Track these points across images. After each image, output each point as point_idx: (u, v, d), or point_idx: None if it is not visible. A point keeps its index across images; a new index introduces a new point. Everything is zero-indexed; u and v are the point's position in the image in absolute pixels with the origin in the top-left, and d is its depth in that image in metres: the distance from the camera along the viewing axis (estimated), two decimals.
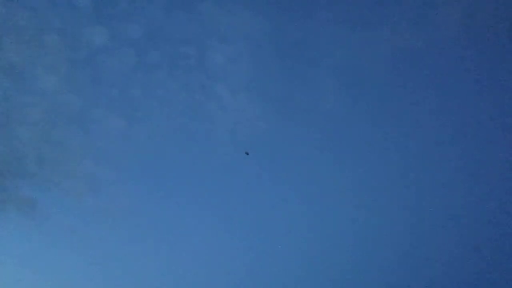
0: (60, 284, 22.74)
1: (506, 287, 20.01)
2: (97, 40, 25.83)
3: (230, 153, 25.32)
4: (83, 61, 26.01)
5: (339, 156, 24.89)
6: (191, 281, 23.15)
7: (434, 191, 23.22)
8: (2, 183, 23.45)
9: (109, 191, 25.00)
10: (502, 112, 22.65)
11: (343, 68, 25.79)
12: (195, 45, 26.68)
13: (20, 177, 23.71)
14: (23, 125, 24.46)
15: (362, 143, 24.82)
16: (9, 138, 24.07)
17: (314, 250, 23.33)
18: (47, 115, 24.99)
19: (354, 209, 23.75)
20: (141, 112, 26.26)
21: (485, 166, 22.55)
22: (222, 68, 26.55)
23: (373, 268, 22.30)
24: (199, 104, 26.33)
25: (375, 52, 25.07)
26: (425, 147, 24.14)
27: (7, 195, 23.40)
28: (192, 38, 26.81)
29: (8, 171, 23.64)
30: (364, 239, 23.07)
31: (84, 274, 23.14)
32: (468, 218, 21.90)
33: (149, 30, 26.52)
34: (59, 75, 25.31)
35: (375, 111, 25.10)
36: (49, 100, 25.17)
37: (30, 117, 24.60)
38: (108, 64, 26.08)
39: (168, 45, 26.77)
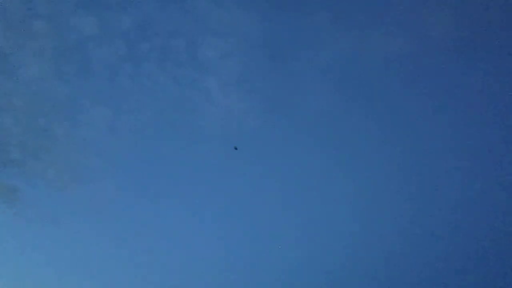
0: (39, 273, 22.32)
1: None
2: (86, 28, 25.46)
3: (219, 147, 25.31)
4: (71, 50, 25.63)
5: (327, 153, 25.14)
6: (175, 271, 23.05)
7: (428, 190, 23.46)
8: None
9: (94, 182, 24.67)
10: (497, 114, 22.95)
11: (334, 68, 26.11)
12: (186, 39, 26.58)
13: (2, 164, 23.16)
14: (6, 111, 23.91)
15: (351, 140, 25.13)
16: None
17: (300, 246, 23.48)
18: (32, 102, 24.50)
19: (345, 205, 23.93)
20: (128, 104, 26.03)
21: (481, 165, 22.77)
22: (213, 63, 26.54)
23: (370, 267, 22.34)
24: (188, 97, 26.25)
25: (366, 53, 25.40)
26: (412, 146, 24.54)
27: None
28: (183, 31, 26.72)
29: None
30: (355, 233, 23.13)
31: (64, 264, 22.78)
32: (465, 218, 22.10)
33: (140, 21, 26.29)
34: (45, 62, 24.87)
35: (364, 110, 25.46)
36: (35, 87, 24.71)
37: (15, 104, 24.06)
38: (97, 54, 25.74)
39: (159, 37, 26.60)
